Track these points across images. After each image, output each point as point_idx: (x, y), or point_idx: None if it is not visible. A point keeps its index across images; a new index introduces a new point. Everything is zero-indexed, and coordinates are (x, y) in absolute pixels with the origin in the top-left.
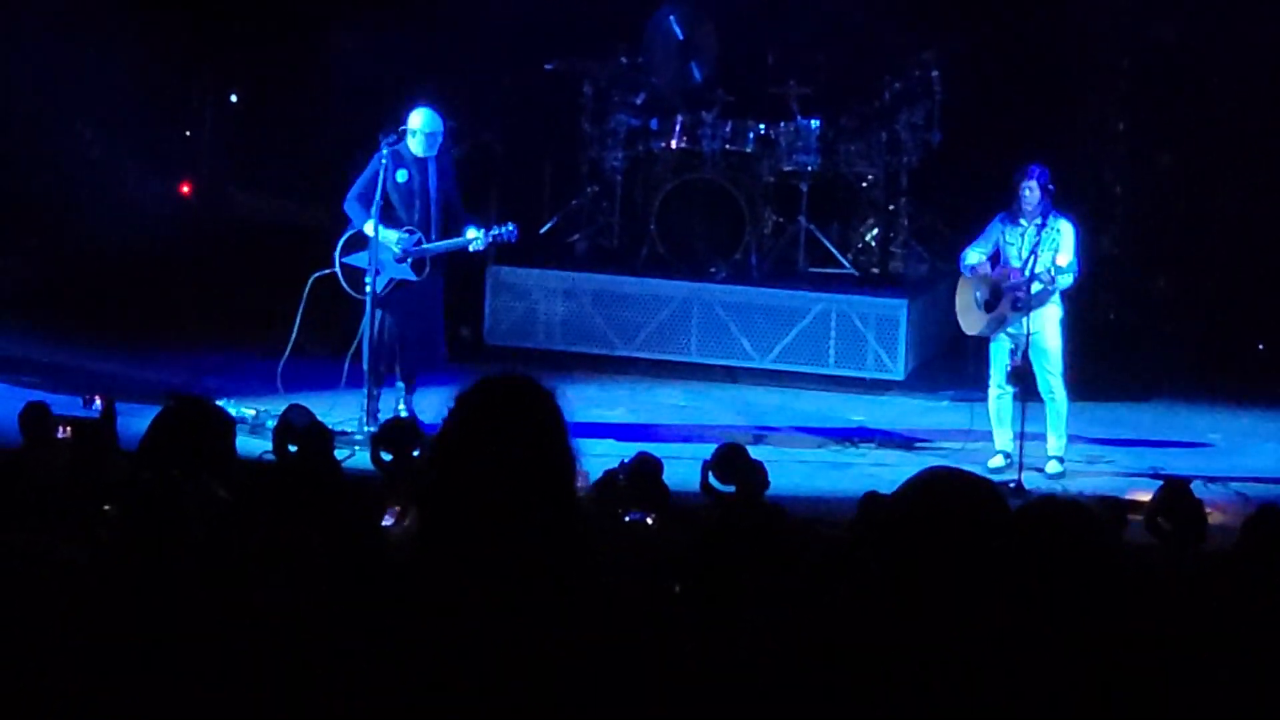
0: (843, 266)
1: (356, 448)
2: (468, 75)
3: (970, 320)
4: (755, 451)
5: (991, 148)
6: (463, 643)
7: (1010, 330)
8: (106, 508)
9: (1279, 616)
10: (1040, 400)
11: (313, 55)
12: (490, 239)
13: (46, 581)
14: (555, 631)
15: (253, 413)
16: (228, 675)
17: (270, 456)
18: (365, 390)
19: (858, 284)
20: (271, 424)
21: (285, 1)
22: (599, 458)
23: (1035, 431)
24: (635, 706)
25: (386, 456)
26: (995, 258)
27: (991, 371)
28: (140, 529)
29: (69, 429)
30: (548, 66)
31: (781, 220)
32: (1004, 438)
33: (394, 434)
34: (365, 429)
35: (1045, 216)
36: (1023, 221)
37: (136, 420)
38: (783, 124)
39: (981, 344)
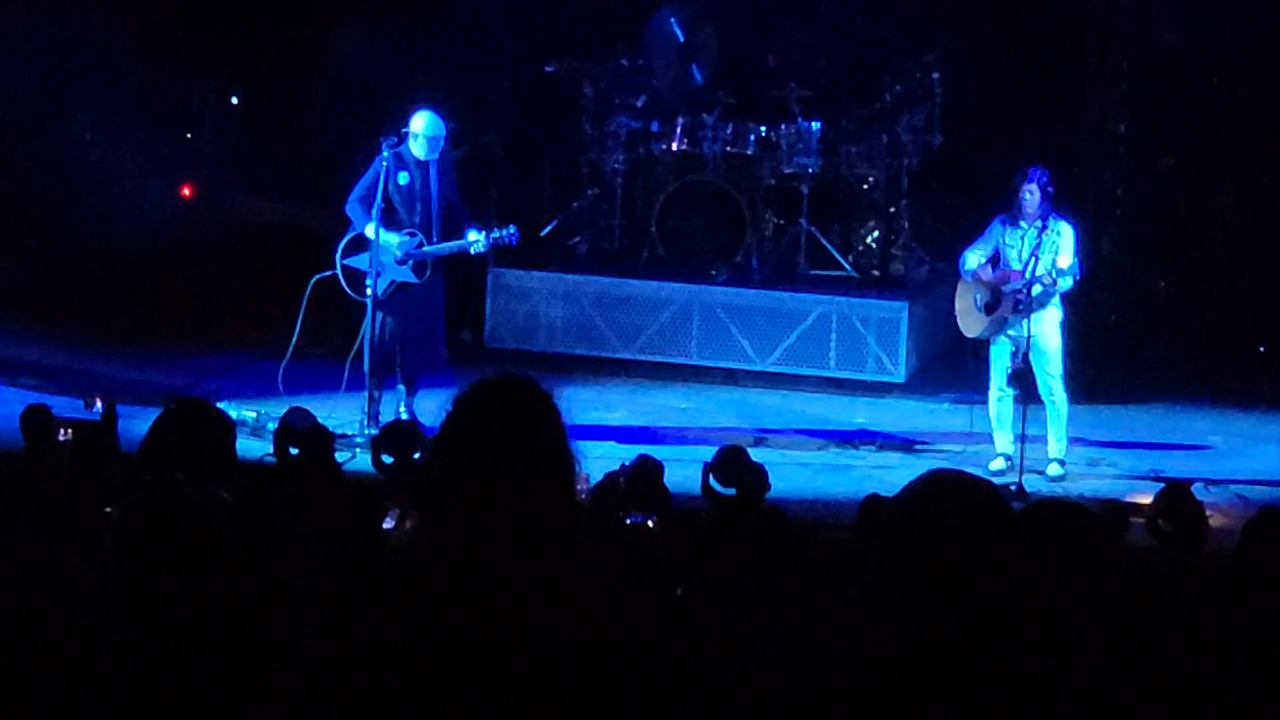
0: (843, 269)
1: (357, 450)
2: (468, 77)
3: (970, 323)
4: (756, 454)
5: (992, 150)
6: (462, 646)
7: (1011, 333)
8: (108, 510)
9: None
10: (1040, 403)
11: (313, 57)
12: (491, 241)
13: (47, 584)
14: (555, 634)
15: (254, 415)
16: (229, 678)
17: (271, 459)
18: (366, 393)
19: (858, 286)
20: (272, 426)
21: (286, 4)
22: (600, 460)
23: (1036, 434)
24: (636, 709)
25: (387, 459)
26: (994, 259)
27: (992, 374)
28: (142, 531)
29: (70, 431)
30: (548, 68)
31: (782, 222)
32: (1004, 440)
33: (395, 436)
34: (366, 431)
35: (1045, 219)
36: (1022, 224)
37: (138, 423)
38: (783, 126)
39: (982, 346)
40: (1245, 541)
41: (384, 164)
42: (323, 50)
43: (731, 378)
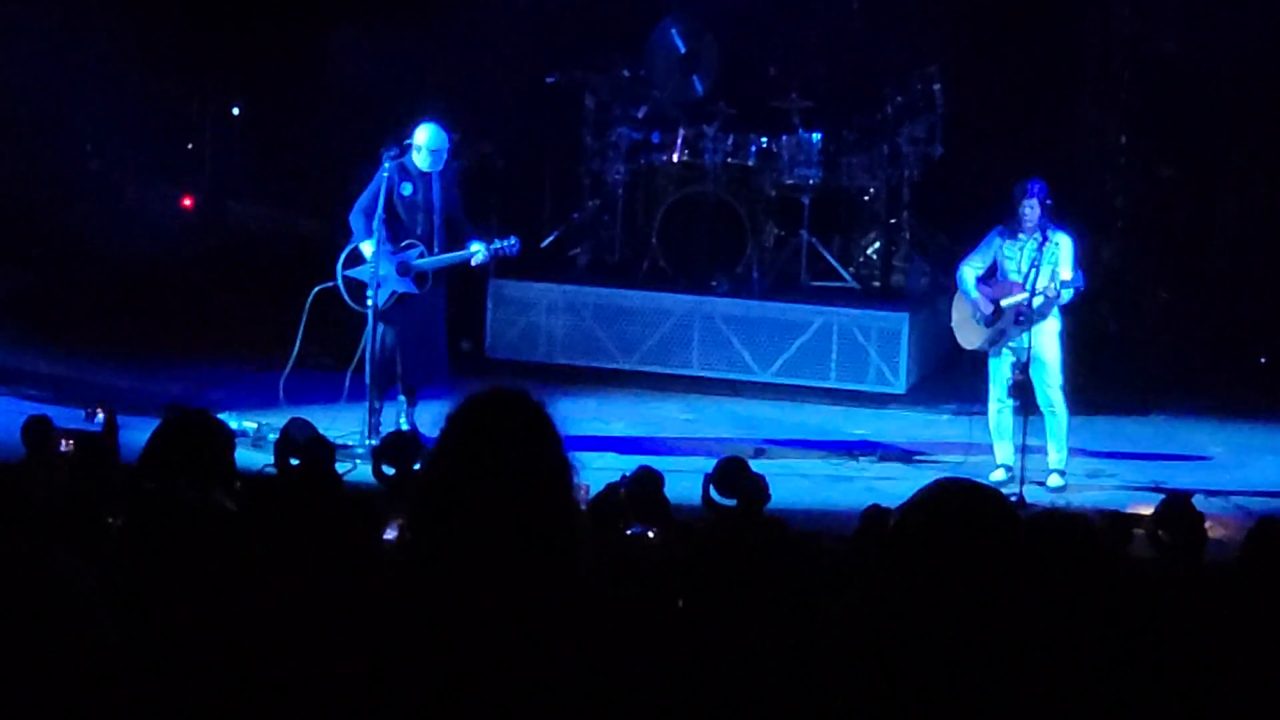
0: (844, 280)
1: (358, 461)
2: (469, 88)
3: (969, 335)
4: (756, 465)
5: (993, 161)
6: (460, 656)
7: (1011, 344)
8: (109, 521)
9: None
10: (1040, 413)
11: (314, 68)
12: (492, 252)
13: (48, 593)
14: (555, 645)
15: (254, 426)
16: (228, 688)
17: (272, 470)
18: (367, 403)
19: (859, 297)
20: (273, 437)
21: (287, 14)
22: (600, 471)
23: (1036, 445)
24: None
25: (388, 470)
26: (992, 270)
27: (992, 385)
28: (145, 539)
29: (71, 442)
30: (549, 79)
31: (783, 233)
32: (1005, 451)
33: (395, 447)
34: (367, 442)
35: (1044, 230)
36: (1021, 236)
37: (138, 433)
38: (784, 137)
39: (982, 357)
40: (1245, 552)
41: (385, 176)
42: (323, 61)
43: (732, 389)
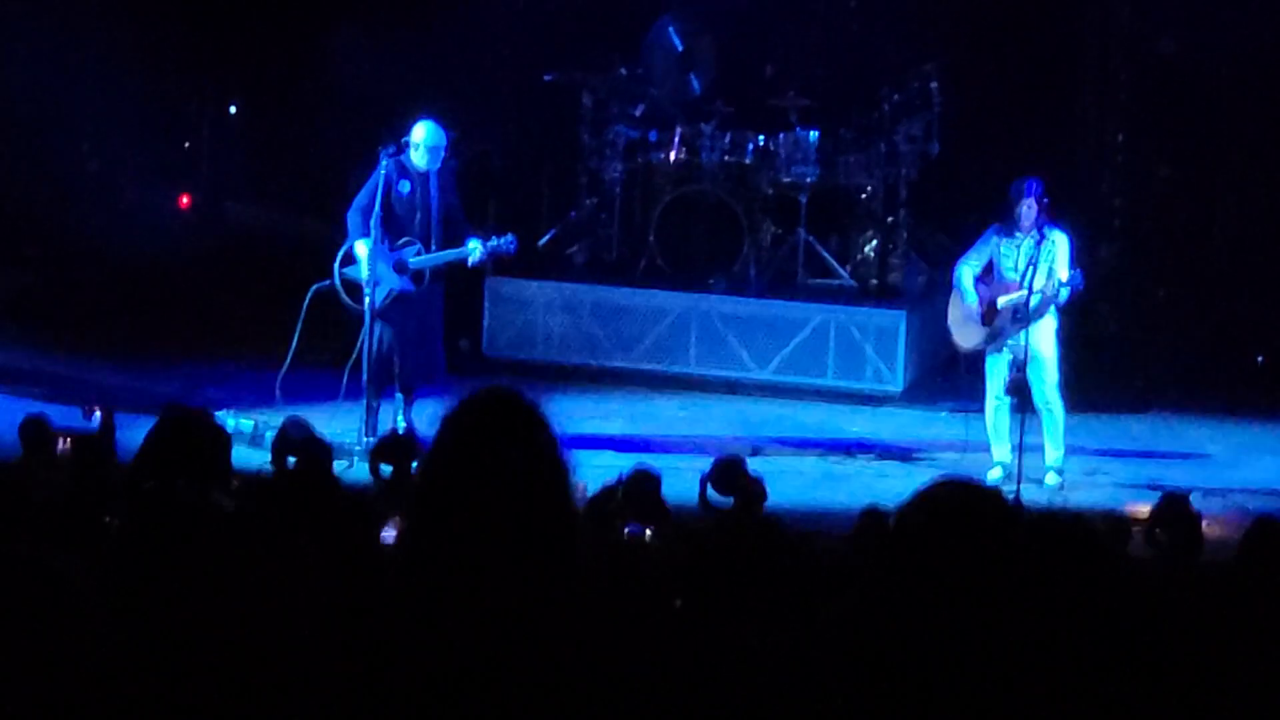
0: (841, 278)
1: (355, 460)
2: (467, 86)
3: (966, 334)
4: (753, 464)
5: (990, 159)
6: (457, 657)
7: (1008, 343)
8: (106, 520)
9: (1278, 628)
10: (1037, 412)
11: (311, 67)
12: (489, 250)
13: (46, 594)
14: (552, 646)
15: (251, 424)
16: (227, 687)
17: (269, 468)
18: (364, 402)
19: (856, 296)
20: (270, 436)
21: (284, 14)
22: (597, 470)
23: (1032, 443)
24: None
25: (385, 469)
26: (988, 268)
27: (989, 384)
28: (143, 537)
29: (68, 441)
30: (547, 78)
31: (780, 232)
32: (1002, 450)
33: (393, 446)
34: (364, 441)
35: (1041, 229)
36: (1018, 234)
37: (136, 432)
38: (781, 135)
39: (979, 355)
40: (1243, 551)
41: (383, 174)
42: (321, 60)
43: (729, 387)
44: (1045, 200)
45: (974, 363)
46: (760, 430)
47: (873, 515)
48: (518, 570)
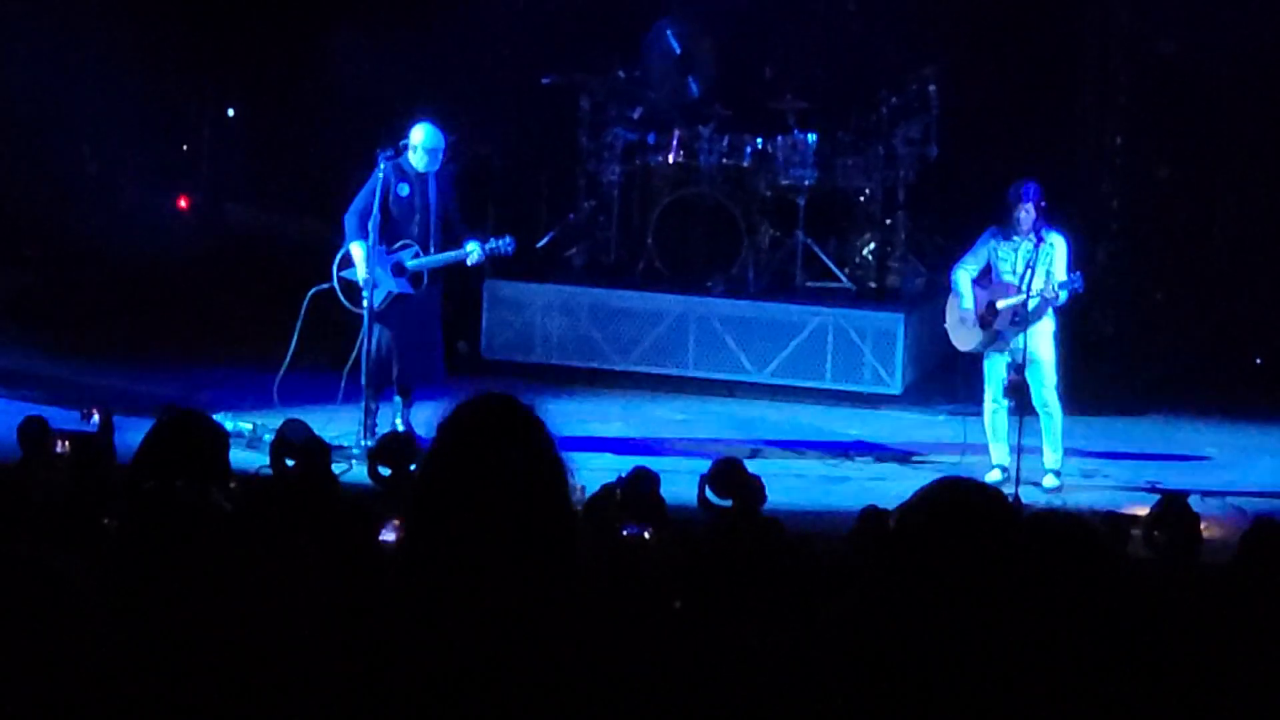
0: (840, 281)
1: (354, 462)
2: (465, 89)
3: (964, 337)
4: (752, 465)
5: (989, 162)
6: (458, 658)
7: (1007, 346)
8: (105, 521)
9: (1278, 629)
10: (1035, 414)
11: (310, 70)
12: (487, 252)
13: (46, 594)
14: (552, 647)
15: (250, 426)
16: (226, 688)
17: (267, 471)
18: (363, 404)
19: (855, 298)
20: (269, 438)
21: (283, 17)
22: (596, 472)
23: (1031, 445)
24: None
25: (384, 471)
26: (986, 270)
27: (987, 386)
28: (142, 537)
29: (67, 443)
30: (545, 80)
31: (778, 234)
32: (1000, 452)
33: (391, 448)
34: (363, 443)
35: (1039, 232)
36: (1016, 238)
37: (134, 434)
38: (780, 138)
39: (977, 358)
40: (1242, 553)
41: (380, 176)
42: (320, 62)
43: (728, 389)
44: (1043, 204)
45: (972, 365)
46: (758, 432)
47: (872, 515)
48: (517, 572)
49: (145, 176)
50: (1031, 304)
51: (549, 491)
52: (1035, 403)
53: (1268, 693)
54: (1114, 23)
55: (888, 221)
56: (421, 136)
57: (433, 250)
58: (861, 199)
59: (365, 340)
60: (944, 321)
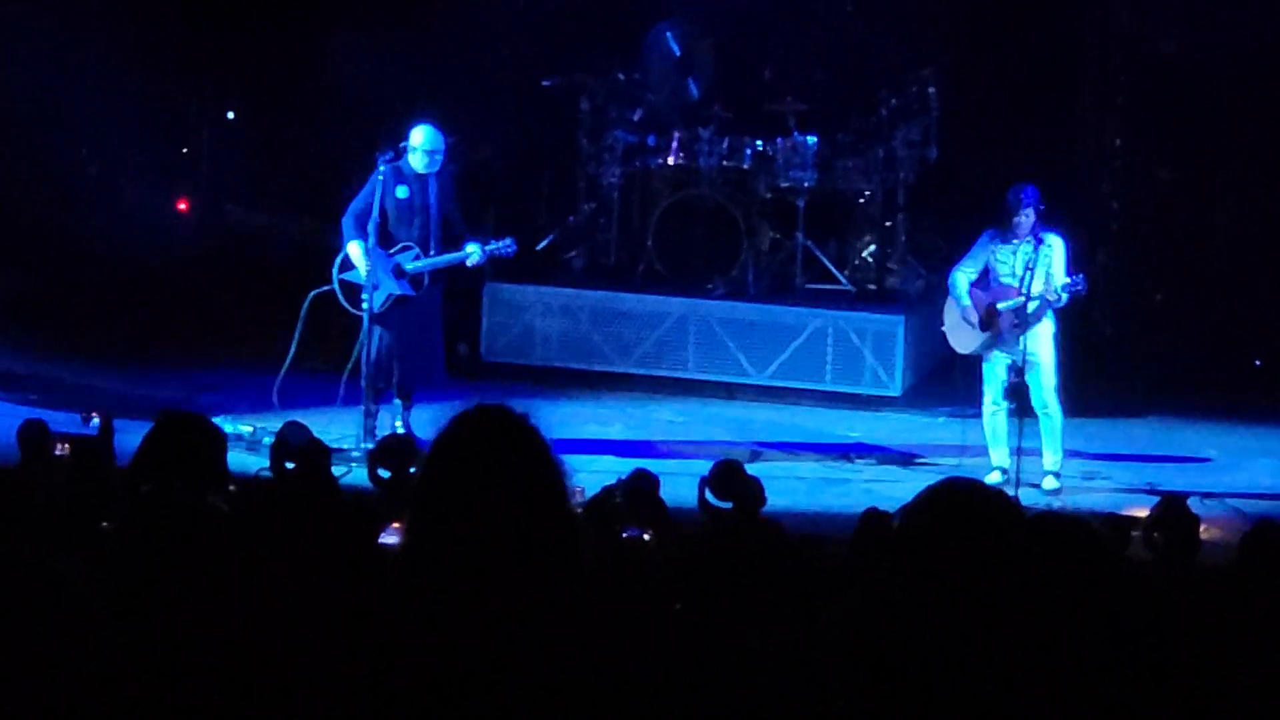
0: (840, 283)
1: (353, 464)
2: (465, 91)
3: (963, 339)
4: (752, 468)
5: (988, 164)
6: (459, 662)
7: (1006, 348)
8: (105, 524)
9: (1278, 630)
10: (1034, 416)
11: (310, 71)
12: (487, 254)
13: (47, 595)
14: (553, 651)
15: (249, 429)
16: (227, 690)
17: (267, 473)
18: (363, 407)
19: (855, 300)
20: (268, 441)
21: (283, 18)
22: (596, 474)
23: (1031, 447)
24: None
25: (384, 473)
26: (984, 273)
27: (986, 389)
28: (140, 539)
29: (67, 446)
30: (545, 83)
31: (778, 236)
32: (1000, 454)
33: (391, 451)
34: (362, 446)
35: (1037, 234)
36: (1014, 240)
37: (134, 437)
38: (780, 140)
39: (977, 360)
40: (1242, 554)
41: (380, 178)
42: (319, 64)
43: (728, 391)
44: (1042, 207)
45: (972, 367)
46: (758, 434)
47: (873, 517)
48: (519, 576)
49: (145, 178)
50: (1031, 306)
51: (548, 498)
52: (1035, 404)
53: (1268, 694)
54: (1114, 23)
55: (888, 223)
56: (421, 138)
57: (433, 252)
58: (861, 201)
59: (365, 342)
60: (943, 324)
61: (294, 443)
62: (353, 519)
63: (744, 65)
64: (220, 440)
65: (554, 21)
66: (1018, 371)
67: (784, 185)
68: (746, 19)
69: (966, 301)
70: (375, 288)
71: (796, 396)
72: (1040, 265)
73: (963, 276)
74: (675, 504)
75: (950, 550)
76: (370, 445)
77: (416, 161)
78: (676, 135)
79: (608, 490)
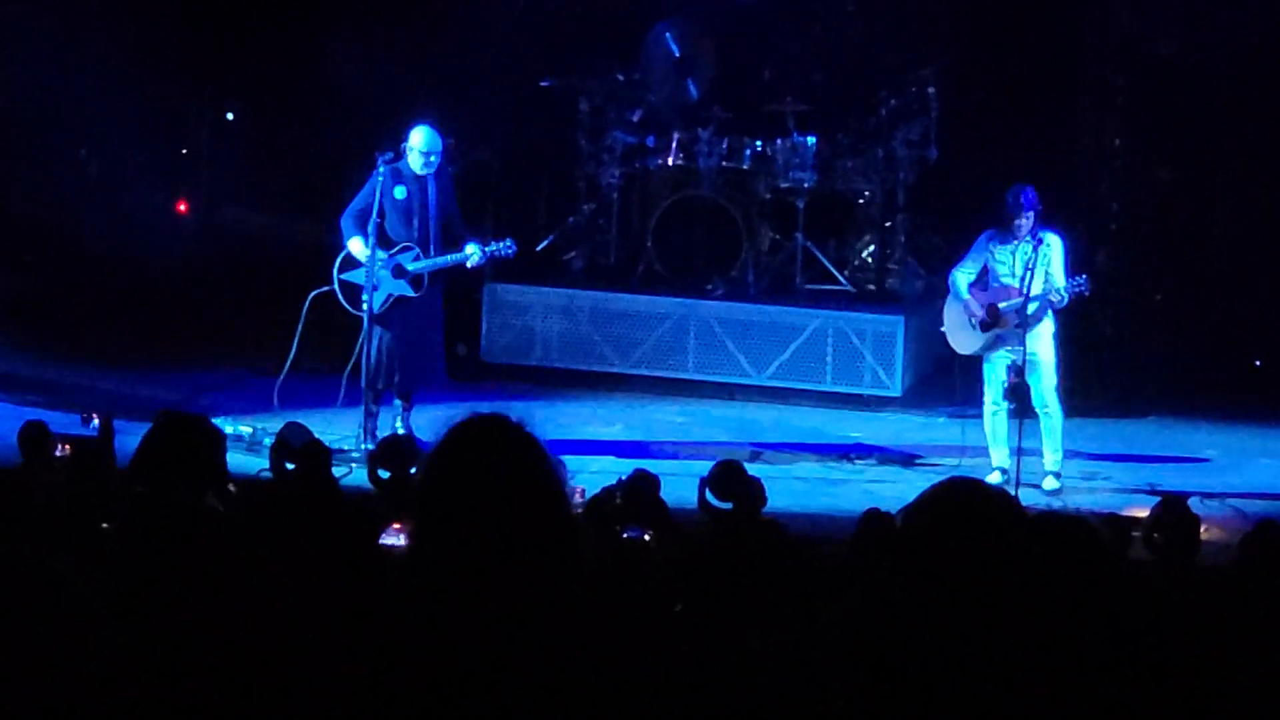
0: (839, 283)
1: (354, 465)
2: (464, 92)
3: (964, 339)
4: (752, 468)
5: (988, 164)
6: (461, 663)
7: (1007, 348)
8: (105, 525)
9: (1278, 631)
10: (1034, 416)
11: (309, 73)
12: (487, 254)
13: (47, 595)
14: (554, 651)
15: (250, 430)
16: (227, 690)
17: (267, 474)
18: (363, 407)
19: (854, 300)
20: (269, 442)
21: (282, 20)
22: (596, 475)
23: (1031, 447)
24: None
25: (384, 474)
26: (983, 273)
27: (986, 389)
28: (139, 540)
29: (67, 447)
30: (544, 83)
31: (778, 237)
32: (1000, 454)
33: (391, 451)
34: (363, 446)
35: (1036, 234)
36: (1013, 240)
37: (134, 438)
38: (779, 140)
39: (977, 360)
40: (1243, 554)
41: (379, 179)
42: (319, 66)
43: (727, 392)
44: (1040, 208)
45: (972, 367)
46: (758, 435)
47: (874, 517)
48: (520, 579)
49: (145, 179)
50: (1031, 306)
51: (547, 502)
52: (1035, 404)
53: (1268, 694)
54: (1113, 23)
55: (887, 224)
56: (420, 139)
57: (433, 252)
58: (861, 201)
59: (365, 343)
60: (943, 324)
61: (294, 443)
62: (353, 520)
63: (744, 65)
64: (220, 441)
65: (553, 22)
66: (1018, 371)
67: (784, 186)
68: (746, 19)
69: (968, 306)
70: (375, 288)
71: (796, 397)
72: (1040, 265)
73: (962, 276)
74: (675, 504)
75: (952, 550)
76: (370, 446)
77: (414, 162)
78: (676, 136)
79: (608, 491)
